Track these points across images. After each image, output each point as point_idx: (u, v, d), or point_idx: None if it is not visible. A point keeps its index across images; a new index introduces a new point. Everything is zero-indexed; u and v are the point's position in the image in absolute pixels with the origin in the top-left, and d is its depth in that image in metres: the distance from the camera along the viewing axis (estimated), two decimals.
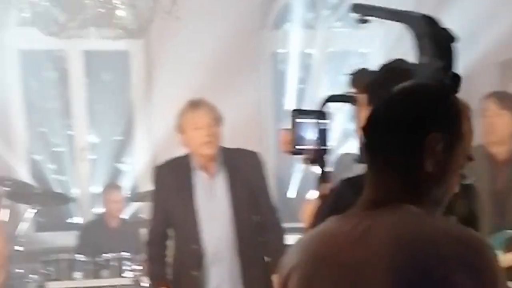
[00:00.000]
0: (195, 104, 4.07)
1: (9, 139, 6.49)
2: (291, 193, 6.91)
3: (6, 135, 6.47)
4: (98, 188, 6.60)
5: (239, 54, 6.83)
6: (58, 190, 6.36)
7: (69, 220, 6.74)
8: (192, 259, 4.01)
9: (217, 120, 4.06)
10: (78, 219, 6.70)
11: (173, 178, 4.08)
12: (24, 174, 6.43)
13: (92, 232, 6.05)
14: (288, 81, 7.10)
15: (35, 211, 5.62)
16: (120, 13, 4.62)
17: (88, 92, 6.89)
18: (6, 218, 5.43)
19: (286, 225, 6.89)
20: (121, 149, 6.88)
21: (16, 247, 5.46)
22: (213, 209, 4.07)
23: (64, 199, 5.76)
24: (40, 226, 6.66)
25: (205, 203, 4.06)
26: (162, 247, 4.13)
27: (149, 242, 4.18)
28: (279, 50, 7.27)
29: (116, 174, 6.73)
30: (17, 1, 5.52)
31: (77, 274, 5.42)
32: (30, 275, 5.50)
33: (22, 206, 5.71)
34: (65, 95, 6.85)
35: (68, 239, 6.19)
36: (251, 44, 6.97)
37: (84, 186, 6.75)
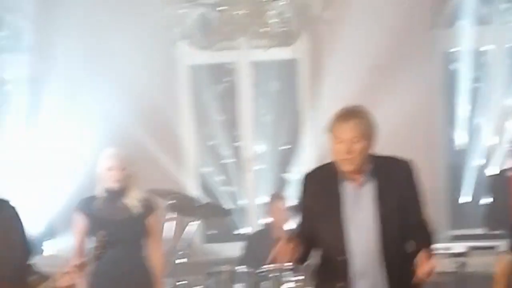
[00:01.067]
0: (344, 116, 3.84)
1: (178, 154, 6.64)
2: (464, 198, 6.53)
3: (175, 150, 6.62)
4: (264, 199, 6.59)
5: (406, 56, 6.61)
6: (223, 202, 6.41)
7: (236, 232, 6.78)
8: (338, 271, 3.85)
9: (364, 135, 3.81)
10: (244, 230, 6.72)
11: (321, 186, 3.93)
12: (192, 187, 6.55)
13: (257, 242, 6.03)
14: (460, 81, 6.73)
15: (197, 223, 5.67)
16: (271, 21, 4.53)
17: (255, 103, 6.91)
18: (172, 231, 5.56)
19: (455, 232, 6.61)
20: (287, 159, 6.83)
21: (179, 260, 5.52)
22: (361, 219, 3.87)
23: (224, 212, 5.78)
24: (209, 238, 6.75)
25: (352, 213, 3.87)
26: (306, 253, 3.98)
27: None
28: (451, 49, 6.92)
29: (282, 184, 6.69)
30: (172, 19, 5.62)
31: (238, 286, 5.41)
32: (194, 287, 5.56)
33: (186, 219, 5.77)
34: (233, 107, 6.93)
35: (236, 250, 6.21)
36: (420, 44, 6.70)
37: (251, 197, 6.78)
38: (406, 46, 6.59)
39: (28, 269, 4.12)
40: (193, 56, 6.77)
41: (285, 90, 7.05)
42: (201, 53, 6.70)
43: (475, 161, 6.75)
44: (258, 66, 6.97)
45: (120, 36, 6.50)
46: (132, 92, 6.46)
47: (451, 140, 6.88)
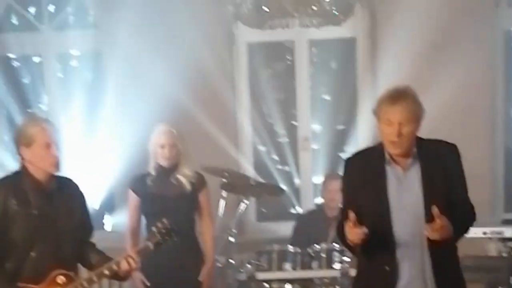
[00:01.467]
0: (394, 97, 3.77)
1: (234, 132, 6.66)
2: None
3: (231, 128, 6.64)
4: (319, 178, 6.56)
5: (467, 33, 6.45)
6: (277, 181, 6.41)
7: (290, 211, 6.78)
8: (384, 254, 3.82)
9: (413, 118, 3.75)
10: (299, 209, 6.72)
11: (365, 170, 3.88)
12: (247, 166, 6.57)
13: (308, 222, 6.03)
14: None
15: (250, 202, 5.70)
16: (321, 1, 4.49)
17: (313, 82, 6.87)
18: (225, 209, 5.60)
19: (508, 215, 6.47)
20: (343, 138, 6.78)
21: (232, 238, 5.56)
22: (406, 203, 3.83)
23: (277, 190, 5.77)
24: (263, 216, 6.77)
25: (398, 196, 3.83)
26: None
27: (338, 233, 4.03)
28: None
29: (337, 163, 6.64)
30: None
31: (288, 265, 5.42)
32: (247, 265, 5.59)
33: (239, 197, 5.79)
34: (291, 86, 6.90)
35: (289, 229, 6.22)
36: (481, 22, 6.53)
37: (306, 176, 6.76)
38: (468, 24, 6.43)
39: (91, 247, 4.23)
40: (252, 34, 6.75)
41: (343, 69, 6.98)
42: (259, 31, 6.68)
43: None
44: (316, 44, 6.92)
45: (179, 13, 6.55)
46: (189, 69, 6.49)
47: (510, 121, 6.72)
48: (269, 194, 5.80)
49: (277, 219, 6.83)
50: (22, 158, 4.00)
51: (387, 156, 3.81)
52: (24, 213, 3.93)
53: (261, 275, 5.45)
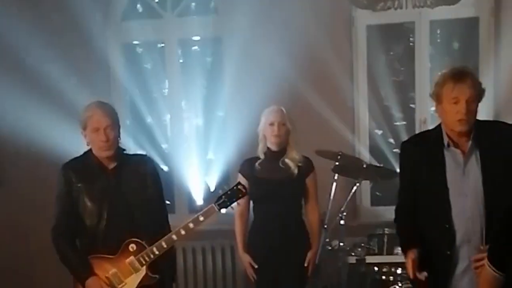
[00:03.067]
0: (458, 74, 3.77)
1: (351, 116, 6.61)
2: None
3: (349, 112, 6.59)
4: None
5: None
6: (393, 166, 6.32)
7: None
8: (443, 238, 3.82)
9: (478, 95, 3.70)
10: None
11: (423, 154, 3.88)
12: (362, 150, 6.52)
13: None
14: None
15: (359, 185, 5.66)
16: None
17: (433, 63, 6.71)
18: (337, 192, 5.59)
19: None
20: None
21: (342, 221, 5.54)
22: (465, 187, 3.78)
23: (391, 173, 5.70)
24: (378, 200, 6.70)
25: (457, 181, 3.81)
26: (410, 222, 3.93)
27: (396, 219, 4.01)
28: None
29: None
30: None
31: (398, 249, 5.36)
32: (358, 248, 5.57)
33: (352, 180, 5.75)
34: (410, 68, 6.77)
35: None
36: None
37: None
38: None
39: (166, 226, 4.38)
40: (371, 16, 6.67)
41: (465, 50, 6.78)
42: (378, 13, 6.60)
43: None
44: (438, 25, 6.75)
45: None
46: (306, 54, 6.49)
47: None
48: (382, 178, 5.74)
49: (392, 203, 6.71)
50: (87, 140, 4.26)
51: (445, 139, 3.75)
52: (89, 191, 4.19)
53: (371, 259, 5.42)
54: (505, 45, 6.37)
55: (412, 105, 6.75)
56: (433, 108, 6.62)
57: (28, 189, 6.77)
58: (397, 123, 6.77)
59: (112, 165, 4.26)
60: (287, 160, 5.13)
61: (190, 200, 6.84)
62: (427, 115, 6.62)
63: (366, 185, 6.56)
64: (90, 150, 4.29)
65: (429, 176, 3.82)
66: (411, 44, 6.83)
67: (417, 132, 6.62)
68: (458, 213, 3.78)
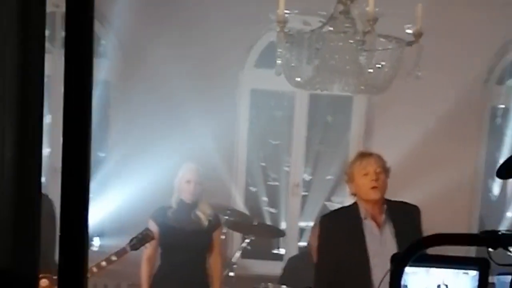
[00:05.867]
0: (364, 153, 4.45)
1: (232, 170, 6.99)
2: None
3: (230, 166, 6.96)
4: (306, 223, 6.95)
5: (463, 108, 6.88)
6: (270, 223, 6.75)
7: (274, 251, 7.13)
8: None
9: (385, 169, 4.32)
10: (282, 250, 7.08)
11: (342, 227, 4.33)
12: (240, 204, 6.91)
13: (297, 265, 6.36)
14: (504, 136, 7.14)
15: (248, 240, 6.03)
16: (368, 71, 4.84)
17: (309, 132, 7.24)
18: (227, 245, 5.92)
19: None
20: (331, 189, 7.19)
21: (231, 273, 5.90)
22: (383, 256, 4.23)
23: (277, 232, 6.09)
24: (247, 253, 7.11)
25: (376, 250, 4.26)
26: None
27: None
28: (500, 105, 7.29)
29: (325, 212, 7.03)
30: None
31: None
32: None
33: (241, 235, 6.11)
34: (288, 133, 7.26)
35: (269, 268, 6.57)
36: (476, 97, 7.02)
37: (293, 220, 7.13)
38: (465, 99, 6.87)
39: None
40: (258, 81, 7.13)
41: (340, 125, 7.38)
42: (263, 78, 7.06)
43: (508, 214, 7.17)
44: (316, 97, 7.26)
45: None
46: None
47: (489, 191, 7.27)
48: (270, 235, 6.12)
49: (259, 257, 7.13)
50: None
51: (362, 213, 4.29)
52: None
53: None
54: (375, 126, 7.03)
55: (287, 168, 7.25)
56: (306, 175, 7.24)
57: None
58: (272, 183, 7.23)
59: None
60: (198, 213, 5.40)
61: None
62: (300, 180, 7.15)
63: (238, 238, 6.90)
64: None
65: (350, 248, 4.28)
66: (290, 111, 7.31)
67: (290, 194, 7.16)
68: (377, 277, 4.18)
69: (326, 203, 7.20)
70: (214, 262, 5.49)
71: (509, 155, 1.75)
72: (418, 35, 4.78)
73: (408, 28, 4.82)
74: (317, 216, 6.90)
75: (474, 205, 7.12)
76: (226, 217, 6.01)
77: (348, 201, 6.84)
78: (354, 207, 4.39)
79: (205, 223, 5.40)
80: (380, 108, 6.99)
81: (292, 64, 4.82)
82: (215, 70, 6.86)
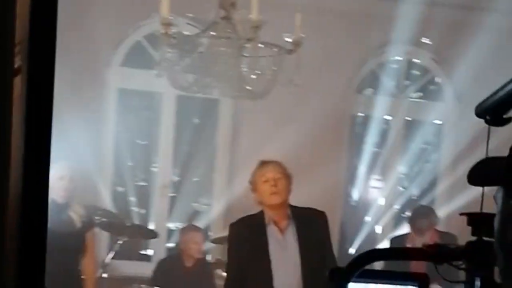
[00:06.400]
0: (264, 162, 4.61)
1: (100, 170, 6.90)
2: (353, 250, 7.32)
3: (98, 165, 6.87)
4: (174, 224, 6.98)
5: (329, 114, 7.09)
6: (138, 223, 6.74)
7: (142, 252, 7.13)
8: None
9: (285, 175, 4.51)
10: (150, 252, 7.09)
11: (248, 233, 4.52)
12: (108, 204, 6.84)
13: (168, 267, 6.38)
14: (364, 144, 7.45)
15: (121, 242, 6.00)
16: (248, 77, 4.93)
17: (177, 133, 7.26)
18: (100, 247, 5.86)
19: None
20: (199, 190, 7.26)
21: (104, 274, 5.88)
22: (286, 259, 4.48)
23: (150, 233, 6.08)
24: (117, 254, 7.05)
25: (278, 254, 4.49)
26: None
27: None
28: (359, 113, 7.59)
29: (193, 213, 7.11)
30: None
31: None
32: None
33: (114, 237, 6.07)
34: (156, 134, 7.26)
35: (139, 269, 6.57)
36: (338, 105, 7.27)
37: (161, 221, 7.15)
38: (329, 108, 7.12)
39: None
40: (125, 81, 7.08)
41: (207, 127, 7.45)
42: (131, 77, 7.03)
43: (367, 218, 7.49)
44: (183, 99, 7.26)
45: None
46: None
47: (349, 196, 7.57)
48: (143, 237, 6.11)
49: (127, 258, 7.07)
50: None
51: (267, 219, 4.48)
52: None
53: None
54: (241, 130, 7.17)
55: (154, 169, 7.24)
56: (174, 176, 7.27)
57: None
58: (140, 184, 7.21)
59: None
60: (70, 213, 5.32)
61: None
62: (168, 181, 7.16)
63: (105, 238, 6.82)
64: None
65: (254, 251, 4.45)
66: (157, 112, 7.30)
67: (158, 195, 7.16)
68: (279, 282, 4.43)
69: (194, 204, 7.26)
70: (87, 264, 5.44)
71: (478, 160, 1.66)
72: (297, 44, 4.95)
73: (287, 37, 4.99)
74: (185, 218, 6.99)
75: (336, 209, 7.41)
76: (98, 218, 5.94)
77: (216, 203, 7.11)
78: (259, 214, 4.57)
79: (78, 224, 5.33)
80: (248, 112, 7.11)
81: (175, 67, 4.86)
82: (81, 68, 6.74)
